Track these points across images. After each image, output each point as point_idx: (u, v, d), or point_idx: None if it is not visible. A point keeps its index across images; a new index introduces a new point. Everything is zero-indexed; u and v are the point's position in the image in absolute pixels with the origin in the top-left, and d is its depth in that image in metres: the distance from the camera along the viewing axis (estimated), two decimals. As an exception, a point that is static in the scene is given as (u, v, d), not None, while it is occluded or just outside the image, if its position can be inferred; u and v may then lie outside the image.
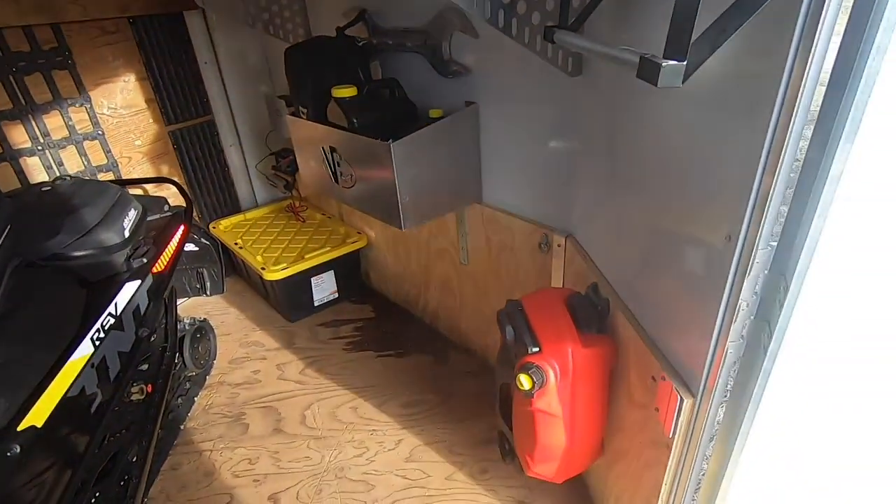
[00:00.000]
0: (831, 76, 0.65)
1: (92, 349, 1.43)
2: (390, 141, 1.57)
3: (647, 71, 0.67)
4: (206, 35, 2.55)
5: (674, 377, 1.01)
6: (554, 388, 1.22)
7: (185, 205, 2.08)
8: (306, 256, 2.47)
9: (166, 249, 1.85)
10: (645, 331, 1.15)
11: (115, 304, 1.56)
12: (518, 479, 1.70)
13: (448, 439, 1.88)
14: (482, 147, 1.75)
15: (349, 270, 2.68)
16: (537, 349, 1.23)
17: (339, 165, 1.84)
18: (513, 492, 1.67)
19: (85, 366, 1.38)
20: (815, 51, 0.63)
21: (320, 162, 1.92)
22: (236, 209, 2.98)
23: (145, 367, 1.68)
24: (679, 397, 0.99)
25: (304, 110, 1.90)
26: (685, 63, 0.64)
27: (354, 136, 1.68)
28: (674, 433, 1.02)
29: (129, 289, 1.63)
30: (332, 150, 1.83)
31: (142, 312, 1.68)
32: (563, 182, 1.54)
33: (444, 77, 1.72)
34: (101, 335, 1.48)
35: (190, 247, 2.32)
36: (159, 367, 1.70)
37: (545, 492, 1.65)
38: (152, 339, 1.77)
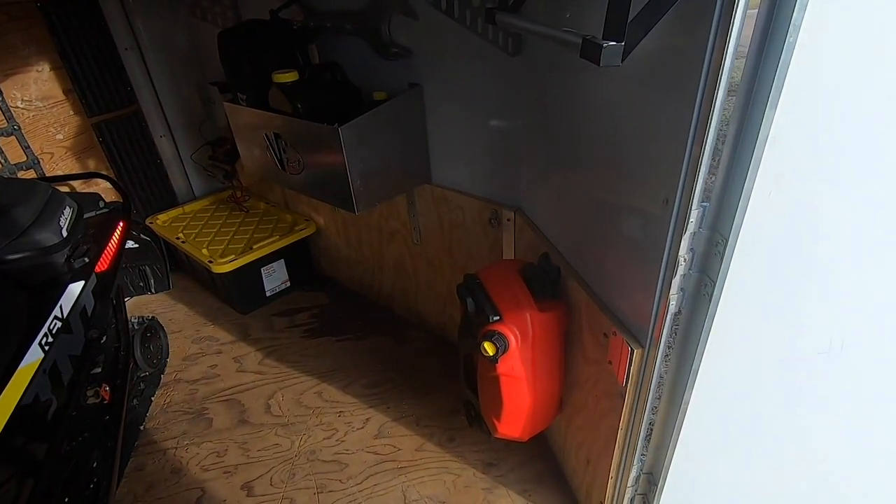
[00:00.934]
0: (748, 49, 0.73)
1: (42, 354, 1.37)
2: (337, 125, 1.57)
3: (589, 51, 0.73)
4: (125, 19, 2.41)
5: (624, 332, 1.11)
6: (516, 352, 1.30)
7: (121, 200, 1.99)
8: (254, 247, 2.43)
9: (108, 247, 1.78)
10: (595, 293, 1.25)
11: (61, 307, 1.50)
12: (485, 444, 1.80)
13: (415, 413, 1.94)
14: (429, 128, 1.78)
15: (300, 258, 2.66)
16: (498, 317, 1.30)
17: (284, 152, 1.82)
18: (481, 455, 1.77)
19: (36, 372, 1.33)
20: (733, 25, 0.71)
21: (264, 149, 1.89)
22: (173, 203, 2.86)
23: (98, 369, 1.62)
24: (630, 349, 1.09)
25: (243, 97, 1.85)
26: (623, 43, 0.70)
27: (300, 122, 1.66)
28: (626, 381, 1.13)
29: (73, 290, 1.56)
30: (277, 136, 1.80)
31: (89, 314, 1.61)
32: (508, 159, 1.61)
33: (385, 59, 1.73)
34: (50, 339, 1.42)
35: (129, 244, 2.23)
36: (115, 368, 1.65)
37: (511, 452, 1.76)
38: (103, 340, 1.71)
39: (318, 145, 1.66)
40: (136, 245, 2.23)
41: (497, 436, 1.51)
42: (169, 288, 2.33)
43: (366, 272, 2.51)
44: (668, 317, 1.00)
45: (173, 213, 2.79)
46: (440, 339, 2.29)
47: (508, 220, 1.68)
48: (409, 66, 1.71)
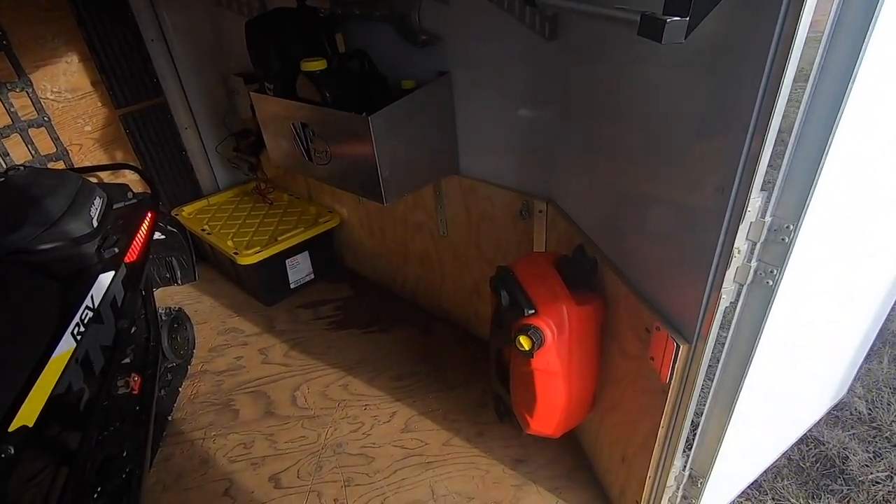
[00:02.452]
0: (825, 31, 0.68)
1: (74, 344, 1.38)
2: (367, 114, 1.54)
3: (650, 28, 0.68)
4: (151, 10, 2.40)
5: (668, 327, 1.07)
6: (552, 346, 1.26)
7: (148, 191, 1.99)
8: (279, 239, 2.42)
9: (136, 237, 1.78)
10: (635, 286, 1.20)
11: (92, 297, 1.50)
12: (513, 439, 1.76)
13: (442, 407, 1.92)
14: (458, 117, 1.75)
15: (324, 250, 2.64)
16: (533, 311, 1.26)
17: (311, 142, 1.80)
18: (510, 451, 1.74)
19: (69, 361, 1.33)
20: (805, 7, 0.66)
21: (290, 139, 1.87)
22: (198, 195, 2.87)
23: (128, 360, 1.63)
24: (675, 345, 1.04)
25: (270, 87, 1.83)
26: (688, 18, 0.65)
27: (328, 111, 1.64)
28: (670, 379, 1.08)
29: (103, 280, 1.56)
30: (304, 126, 1.78)
31: (119, 304, 1.62)
32: (541, 148, 1.56)
33: (414, 47, 1.70)
34: (82, 329, 1.42)
35: (156, 235, 2.24)
36: (145, 358, 1.65)
37: (540, 448, 1.72)
38: (133, 330, 1.72)
39: (347, 135, 1.63)
40: (163, 236, 2.24)
41: (528, 432, 1.48)
42: (195, 279, 2.34)
43: (390, 265, 2.49)
44: (719, 311, 0.96)
45: (198, 204, 2.80)
46: (466, 332, 2.26)
47: (540, 211, 1.64)
48: (438, 53, 1.67)
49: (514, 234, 1.78)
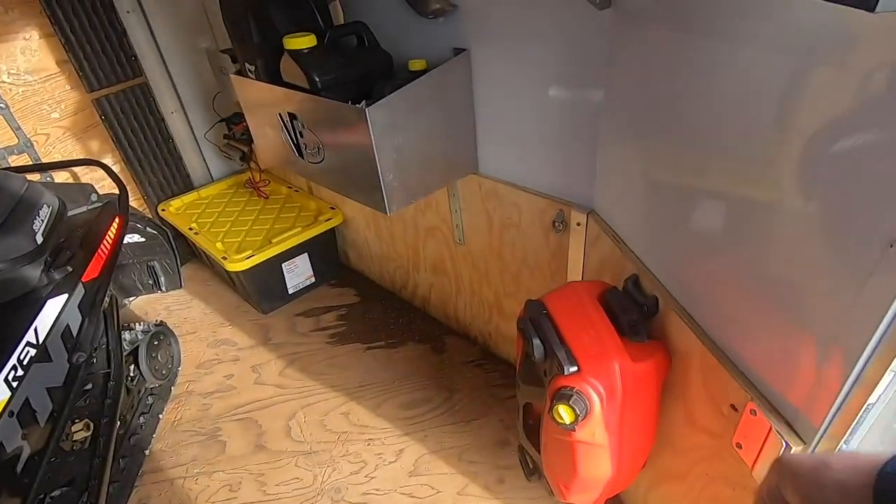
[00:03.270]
0: None
1: (8, 393, 1.13)
2: (363, 104, 1.24)
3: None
4: (125, -23, 2.10)
5: (770, 413, 0.77)
6: (599, 417, 0.97)
7: (118, 191, 1.72)
8: (274, 240, 2.14)
9: (99, 250, 1.51)
10: (715, 342, 0.90)
11: (36, 330, 1.25)
12: (542, 489, 1.50)
13: (456, 444, 1.65)
14: (477, 105, 1.43)
15: (325, 251, 2.37)
16: (575, 368, 0.97)
17: (301, 135, 1.50)
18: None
19: (0, 416, 1.09)
20: None
21: (278, 130, 1.58)
22: (188, 186, 2.60)
23: (84, 401, 1.39)
24: (781, 441, 0.75)
25: (252, 68, 1.53)
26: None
27: (318, 100, 1.34)
28: (770, 482, 0.79)
29: (52, 308, 1.30)
30: (292, 116, 1.48)
31: (74, 333, 1.37)
32: (583, 145, 1.25)
33: (424, 17, 1.37)
34: (20, 373, 1.17)
35: (135, 238, 1.98)
36: (103, 401, 1.40)
37: (572, 503, 1.45)
38: (92, 362, 1.47)
39: (341, 129, 1.33)
40: (143, 239, 1.98)
41: (563, 500, 1.20)
42: (180, 286, 2.08)
43: (399, 269, 2.21)
44: (867, 409, 0.65)
45: (188, 198, 2.53)
46: (485, 350, 1.98)
47: (579, 224, 1.33)
48: (454, 25, 1.35)
49: (546, 249, 1.47)
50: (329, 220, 2.26)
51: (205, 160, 2.62)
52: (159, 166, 2.45)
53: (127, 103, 2.24)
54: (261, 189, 2.48)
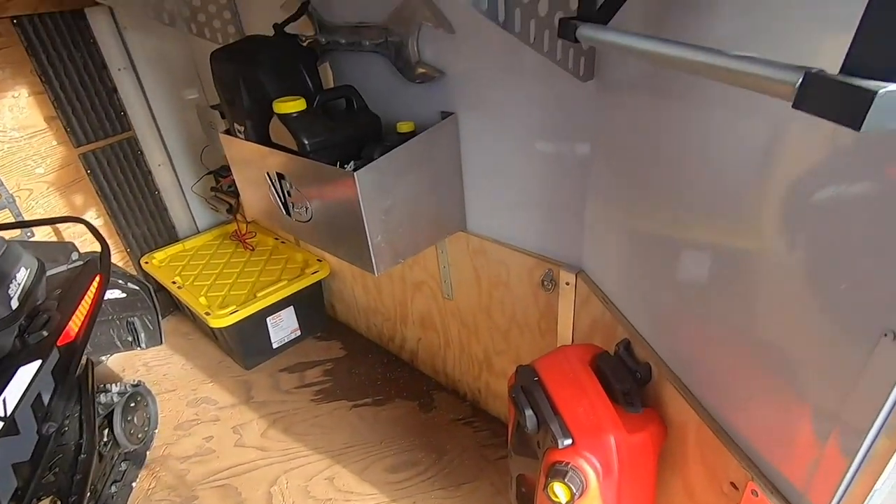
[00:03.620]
0: None
1: (-32, 475, 1.06)
2: (351, 166, 1.25)
3: (830, 101, 0.37)
4: (117, 35, 2.13)
5: (774, 495, 0.75)
6: (596, 493, 0.94)
7: (100, 249, 1.69)
8: (259, 294, 2.11)
9: (76, 312, 1.47)
10: (711, 414, 0.88)
11: (4, 401, 1.19)
12: (534, 561, 1.43)
13: (446, 512, 1.59)
14: (464, 165, 1.44)
15: (311, 304, 2.33)
16: (570, 441, 0.94)
17: (289, 195, 1.50)
18: (530, 580, 1.40)
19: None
20: None
21: (265, 188, 1.57)
22: (173, 238, 2.57)
23: (53, 477, 1.31)
24: (784, 525, 0.72)
25: (241, 128, 1.54)
26: (916, 91, 0.34)
27: (306, 162, 1.34)
28: (774, 567, 0.76)
29: (23, 376, 1.25)
30: (280, 176, 1.48)
31: (45, 402, 1.30)
32: (570, 205, 1.26)
33: (411, 82, 1.40)
34: (-17, 450, 1.11)
35: (116, 293, 1.93)
36: (72, 476, 1.33)
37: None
38: (63, 432, 1.40)
39: (330, 191, 1.33)
40: (124, 295, 1.93)
41: (559, 577, 1.14)
42: (161, 342, 2.02)
43: (386, 322, 2.17)
44: (872, 493, 0.63)
45: (172, 250, 2.50)
46: (474, 407, 1.93)
47: (568, 283, 1.32)
48: (441, 90, 1.37)
49: (535, 308, 1.46)
50: (316, 272, 2.23)
51: (191, 211, 2.60)
52: (144, 218, 2.43)
53: (114, 157, 2.24)
54: (247, 241, 2.46)
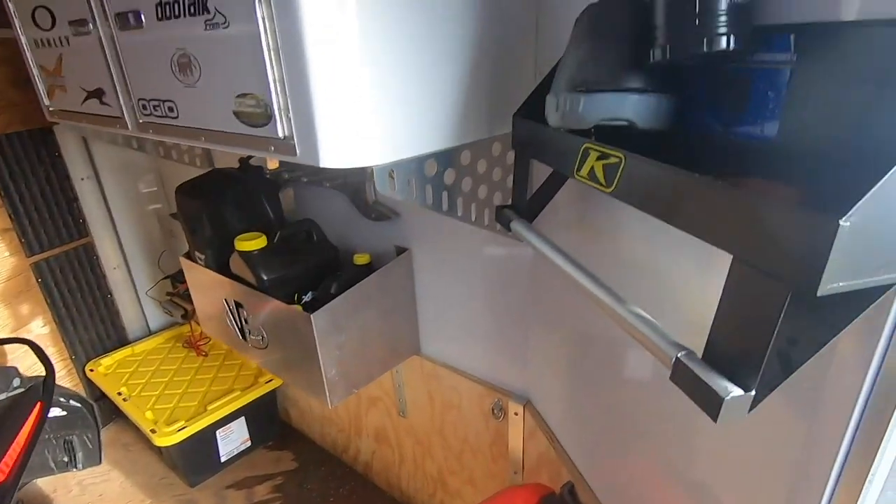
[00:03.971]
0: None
1: None
2: (308, 296, 1.30)
3: (699, 394, 0.46)
4: (83, 148, 2.19)
5: None
6: None
7: (45, 372, 1.64)
8: (210, 407, 2.06)
9: (11, 447, 1.41)
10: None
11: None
12: None
13: None
14: (418, 296, 1.52)
15: (264, 412, 2.28)
16: None
17: (246, 322, 1.53)
18: None
19: None
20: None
21: (223, 313, 1.60)
22: (123, 341, 2.50)
23: None
24: None
25: (202, 256, 1.58)
26: (753, 392, 0.44)
27: (264, 297, 1.39)
28: None
29: (-55, 528, 1.18)
30: (238, 304, 1.52)
31: (-33, 554, 1.22)
32: (516, 337, 1.34)
33: (368, 219, 1.50)
34: None
35: (56, 412, 1.85)
36: None
37: None
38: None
39: (286, 326, 1.38)
40: (64, 413, 1.86)
41: None
42: (99, 462, 1.92)
43: (341, 433, 2.15)
44: None
45: (120, 354, 2.43)
46: (428, 527, 1.90)
47: (517, 413, 1.38)
48: (397, 228, 1.48)
49: (486, 433, 1.50)
50: (270, 381, 2.21)
51: (144, 314, 2.56)
52: (93, 322, 2.37)
53: (67, 264, 2.22)
54: (200, 348, 2.43)
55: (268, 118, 0.77)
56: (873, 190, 0.35)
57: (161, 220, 2.36)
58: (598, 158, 0.61)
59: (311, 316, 1.26)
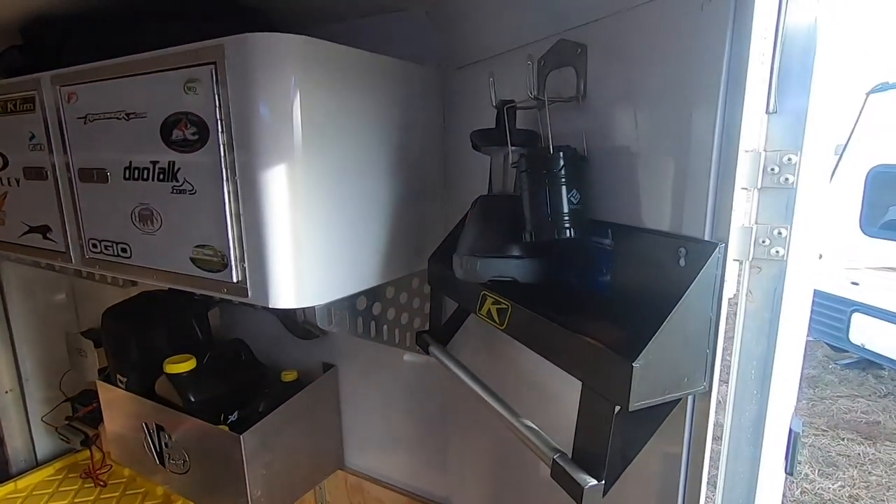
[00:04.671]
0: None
1: None
2: (235, 416, 1.35)
3: (567, 483, 0.64)
4: (-10, 266, 2.12)
5: None
6: None
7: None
8: (107, 546, 1.89)
9: None
10: None
11: None
12: None
13: None
14: (343, 411, 1.62)
15: (169, 546, 2.11)
16: None
17: (167, 446, 1.52)
18: None
19: None
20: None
21: (140, 437, 1.57)
22: (5, 476, 2.25)
23: None
24: None
25: (123, 378, 1.58)
26: (603, 482, 0.62)
27: (191, 419, 1.41)
28: None
29: None
30: (159, 427, 1.51)
31: None
32: (437, 447, 1.46)
33: (297, 338, 1.61)
34: None
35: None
36: None
37: None
38: None
39: (211, 448, 1.40)
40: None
41: None
42: None
43: (256, 563, 2.03)
44: None
45: (1, 492, 2.18)
46: None
47: (439, 523, 1.46)
48: (324, 345, 1.59)
49: (411, 546, 1.55)
50: (179, 510, 2.08)
51: (32, 442, 2.35)
52: (-29, 457, 2.14)
53: (-49, 390, 2.05)
54: (99, 477, 2.24)
55: (224, 266, 0.92)
56: (649, 343, 0.56)
57: (70, 338, 2.27)
58: (493, 303, 0.81)
59: (241, 437, 1.31)
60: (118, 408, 1.63)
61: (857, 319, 4.50)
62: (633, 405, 0.57)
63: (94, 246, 1.12)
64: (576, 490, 0.61)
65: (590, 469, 0.62)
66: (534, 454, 0.73)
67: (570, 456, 0.66)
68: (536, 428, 0.73)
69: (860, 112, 4.41)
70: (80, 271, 1.81)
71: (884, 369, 4.85)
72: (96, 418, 2.19)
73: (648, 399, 0.58)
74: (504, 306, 0.78)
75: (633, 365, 0.55)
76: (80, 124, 1.06)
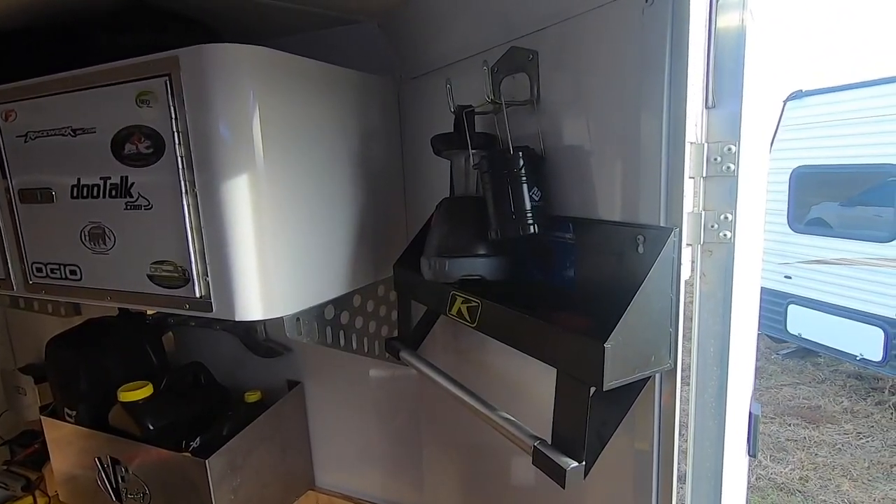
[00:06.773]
0: None
1: None
2: (197, 442, 1.30)
3: (550, 469, 0.66)
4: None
5: None
6: None
7: None
8: None
9: None
10: None
11: None
12: None
13: None
14: (311, 428, 1.58)
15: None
16: None
17: (123, 480, 1.44)
18: None
19: None
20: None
21: (93, 473, 1.48)
22: (-69, 534, 2.06)
23: None
24: None
25: (72, 412, 1.49)
26: (584, 463, 0.64)
27: (150, 449, 1.35)
28: None
29: None
30: (114, 461, 1.43)
31: None
32: (411, 459, 1.45)
33: (260, 357, 1.57)
34: None
35: None
36: None
37: None
38: None
39: (176, 476, 1.34)
40: None
41: None
42: None
43: None
44: None
45: (-70, 551, 1.99)
46: None
47: (414, 534, 1.44)
48: (288, 362, 1.56)
49: (386, 561, 1.52)
50: (136, 551, 1.96)
51: (-35, 493, 2.16)
52: None
53: None
54: (44, 525, 2.08)
55: (185, 281, 0.89)
56: (618, 325, 0.59)
57: (6, 375, 2.12)
58: (463, 302, 0.83)
59: (207, 462, 1.26)
60: (67, 444, 1.53)
61: (793, 311, 4.81)
62: (608, 384, 0.60)
63: (39, 270, 1.07)
64: (558, 473, 0.63)
65: (570, 452, 0.65)
66: (510, 450, 0.74)
67: (549, 442, 0.68)
68: (514, 419, 0.75)
69: (780, 117, 4.76)
70: (16, 301, 1.71)
71: (820, 356, 5.19)
72: (39, 460, 2.05)
73: (620, 378, 0.61)
74: (475, 304, 0.80)
75: (605, 346, 0.58)
76: (20, 143, 1.01)
